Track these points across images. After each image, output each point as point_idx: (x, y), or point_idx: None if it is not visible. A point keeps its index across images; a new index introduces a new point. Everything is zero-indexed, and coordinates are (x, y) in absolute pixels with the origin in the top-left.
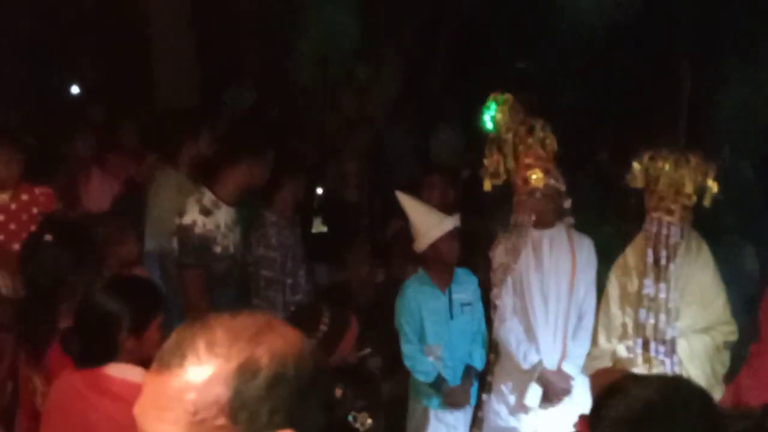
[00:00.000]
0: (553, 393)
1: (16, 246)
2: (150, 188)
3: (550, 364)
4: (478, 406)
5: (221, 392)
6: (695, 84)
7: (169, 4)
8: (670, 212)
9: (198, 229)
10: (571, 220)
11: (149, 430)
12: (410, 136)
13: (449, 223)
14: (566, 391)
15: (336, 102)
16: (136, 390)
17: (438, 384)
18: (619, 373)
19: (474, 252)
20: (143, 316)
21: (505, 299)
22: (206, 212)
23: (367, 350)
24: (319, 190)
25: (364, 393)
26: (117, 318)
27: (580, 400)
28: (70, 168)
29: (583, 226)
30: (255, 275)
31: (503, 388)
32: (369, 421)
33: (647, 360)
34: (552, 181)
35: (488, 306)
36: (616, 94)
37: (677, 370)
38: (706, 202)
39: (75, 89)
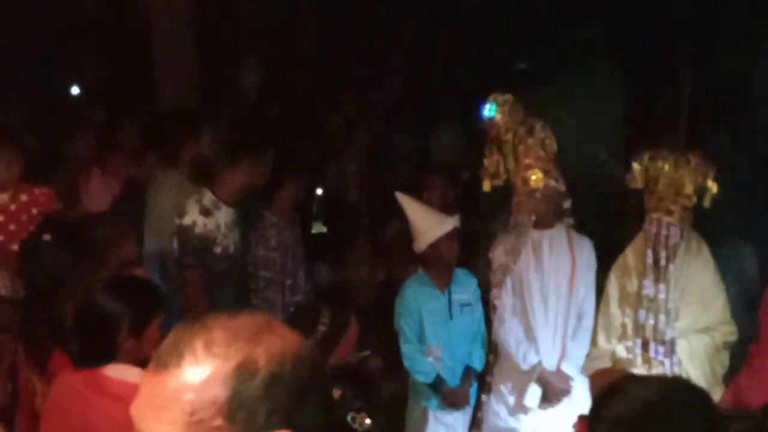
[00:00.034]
0: (553, 393)
1: (16, 246)
2: (150, 188)
3: (549, 364)
4: (478, 406)
5: (219, 392)
6: (695, 84)
7: (170, 4)
8: (669, 213)
9: (198, 230)
10: (570, 220)
11: (146, 430)
12: (410, 136)
13: (449, 223)
14: (566, 392)
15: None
16: (135, 390)
17: (437, 384)
18: (618, 373)
19: (473, 252)
20: (143, 317)
21: (505, 300)
22: (206, 212)
23: (367, 352)
24: (319, 191)
25: (363, 393)
26: (117, 318)
27: (580, 401)
28: (70, 168)
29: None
30: (254, 276)
31: (503, 388)
32: (368, 421)
33: (647, 360)
34: (552, 182)
35: (488, 306)
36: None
37: (677, 371)
38: (706, 203)
39: (75, 89)
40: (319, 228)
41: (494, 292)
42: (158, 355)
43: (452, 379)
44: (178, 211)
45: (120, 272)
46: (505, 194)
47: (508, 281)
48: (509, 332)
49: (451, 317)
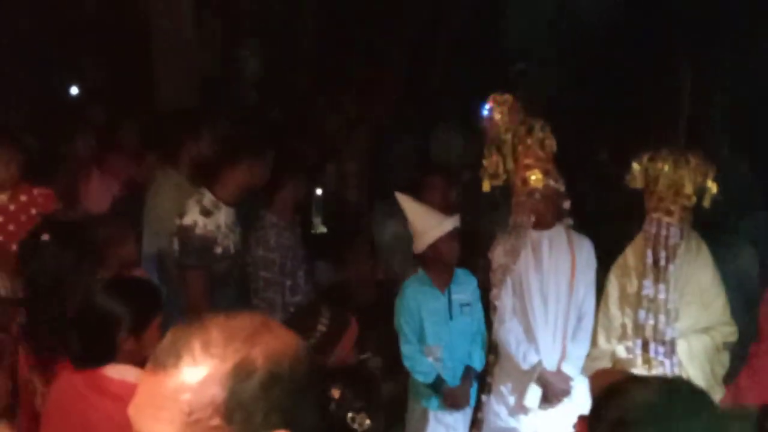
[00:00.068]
0: (553, 394)
1: (15, 247)
2: (150, 188)
3: (549, 364)
4: (478, 406)
5: (216, 392)
6: (695, 84)
7: (170, 4)
8: (669, 213)
9: (199, 230)
10: (570, 220)
11: (144, 429)
12: (410, 136)
13: (449, 223)
14: (566, 392)
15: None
16: (135, 391)
17: (437, 385)
18: (618, 373)
19: (473, 253)
20: (143, 317)
21: (505, 300)
22: (207, 213)
23: (368, 355)
24: (319, 191)
25: (363, 393)
26: (117, 319)
27: (580, 401)
28: (70, 168)
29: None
30: (254, 276)
31: (503, 388)
32: (368, 421)
33: (647, 361)
34: (551, 182)
35: (488, 307)
36: (616, 94)
37: (677, 371)
38: (706, 203)
39: (75, 89)
40: (319, 228)
41: (494, 292)
42: (156, 355)
43: (452, 380)
44: (178, 212)
45: (120, 273)
46: (504, 194)
47: (508, 281)
48: (509, 332)
49: (451, 317)
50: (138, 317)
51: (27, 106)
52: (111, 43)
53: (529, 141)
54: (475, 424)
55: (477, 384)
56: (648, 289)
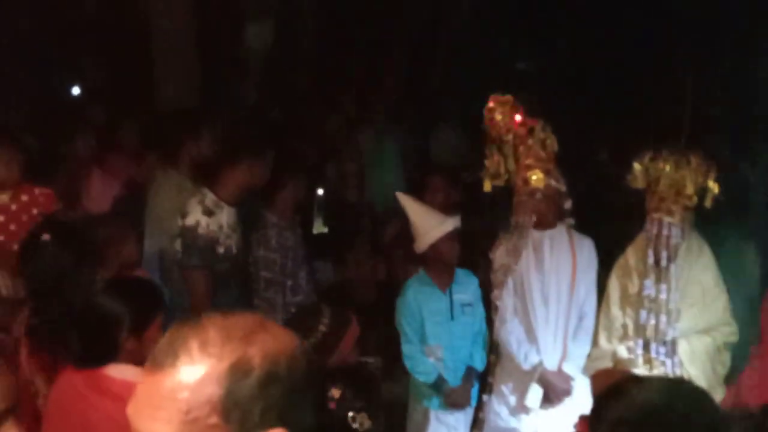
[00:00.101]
0: (554, 394)
1: (17, 246)
2: (150, 188)
3: (550, 364)
4: (479, 406)
5: (214, 391)
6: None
7: (170, 4)
8: (670, 213)
9: (201, 230)
10: (571, 220)
11: (142, 429)
12: (410, 136)
13: (450, 223)
14: (567, 392)
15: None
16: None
17: (438, 385)
18: (619, 374)
19: (474, 252)
20: (144, 317)
21: (506, 300)
22: (209, 213)
23: (371, 359)
24: (320, 191)
25: (364, 393)
26: (118, 318)
27: (581, 401)
28: (71, 168)
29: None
30: (255, 276)
31: (504, 388)
32: (368, 421)
33: (648, 361)
34: (552, 182)
35: (489, 307)
36: (616, 94)
37: (678, 371)
38: (707, 203)
39: (75, 89)
40: (319, 228)
41: (495, 292)
42: (154, 355)
43: (453, 380)
44: (180, 212)
45: (121, 272)
46: (505, 194)
47: (510, 281)
48: (510, 332)
49: (452, 317)
50: (139, 317)
51: (27, 106)
52: (111, 43)
53: (530, 141)
54: (476, 424)
55: (478, 384)
56: (649, 289)
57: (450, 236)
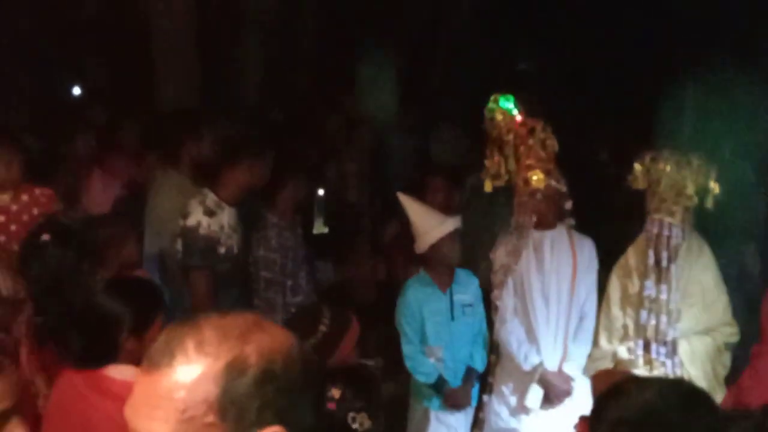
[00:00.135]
0: (554, 394)
1: (17, 247)
2: (150, 189)
3: (551, 365)
4: (479, 407)
5: (210, 390)
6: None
7: (170, 4)
8: (671, 213)
9: (203, 231)
10: (571, 221)
11: (140, 428)
12: (410, 136)
13: (450, 224)
14: (567, 393)
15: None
16: None
17: (439, 385)
18: (620, 374)
19: (475, 253)
20: (144, 317)
21: (506, 300)
22: (210, 213)
23: (371, 362)
24: (320, 191)
25: (364, 393)
26: (118, 319)
27: (581, 402)
28: (71, 168)
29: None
30: (255, 276)
31: (504, 389)
32: (368, 421)
33: (648, 361)
34: (553, 183)
35: (489, 307)
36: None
37: (678, 372)
38: (708, 204)
39: (76, 90)
40: (319, 228)
41: (496, 292)
42: (151, 355)
43: (454, 380)
44: (181, 213)
45: (121, 273)
46: (506, 195)
47: (510, 282)
48: (511, 333)
49: (452, 318)
50: (139, 317)
51: (27, 106)
52: (111, 43)
53: (530, 141)
54: (477, 424)
55: (478, 384)
56: (650, 290)
57: (450, 236)
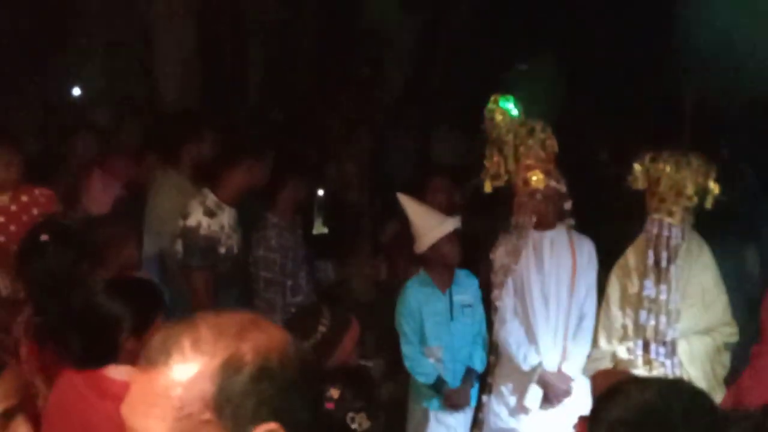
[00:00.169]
0: (554, 394)
1: (17, 247)
2: (150, 189)
3: (550, 365)
4: (479, 407)
5: (206, 388)
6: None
7: (170, 4)
8: (671, 214)
9: (203, 231)
10: (571, 221)
11: (136, 426)
12: (411, 136)
13: (450, 224)
14: (566, 393)
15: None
16: None
17: (438, 385)
18: (619, 374)
19: (475, 253)
20: (144, 318)
21: (506, 301)
22: (210, 214)
23: (370, 363)
24: (320, 191)
25: (363, 394)
26: (118, 319)
27: (580, 402)
28: (71, 169)
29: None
30: (255, 276)
31: (503, 389)
32: (367, 422)
33: (648, 361)
34: (552, 183)
35: (489, 307)
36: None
37: (678, 372)
38: (708, 204)
39: (76, 90)
40: (319, 228)
41: (495, 292)
42: (147, 353)
43: (453, 380)
44: (180, 213)
45: (121, 273)
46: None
47: (509, 282)
48: (510, 333)
49: (452, 318)
50: (139, 317)
51: (27, 106)
52: (112, 43)
53: (530, 142)
54: (476, 424)
55: (478, 384)
56: (649, 290)
57: (450, 237)
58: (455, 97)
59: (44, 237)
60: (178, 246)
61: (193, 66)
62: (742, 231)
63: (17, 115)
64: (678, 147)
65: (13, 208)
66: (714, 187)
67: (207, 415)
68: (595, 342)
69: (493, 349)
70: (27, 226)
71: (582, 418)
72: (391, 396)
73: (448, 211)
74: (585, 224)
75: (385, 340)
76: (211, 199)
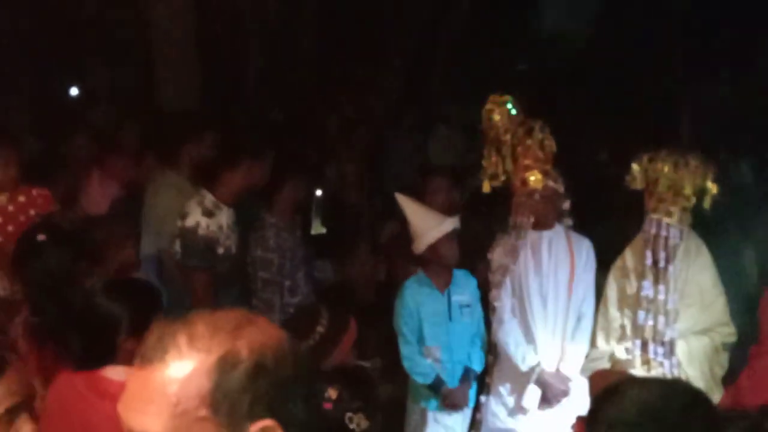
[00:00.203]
0: (552, 394)
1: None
2: (148, 189)
3: (548, 365)
4: (477, 407)
5: (202, 384)
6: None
7: (170, 4)
8: (669, 214)
9: (202, 231)
10: (569, 221)
11: (133, 423)
12: (410, 136)
13: (448, 224)
14: (565, 393)
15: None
16: None
17: (436, 386)
18: (617, 374)
19: (473, 253)
20: (142, 318)
21: (504, 301)
22: (209, 214)
23: (368, 364)
24: (319, 191)
25: (361, 394)
26: (116, 320)
27: (579, 402)
28: (70, 169)
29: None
30: (253, 276)
31: (502, 389)
32: (365, 422)
33: (646, 361)
34: (551, 183)
35: (487, 307)
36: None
37: (676, 372)
38: (706, 204)
39: (75, 90)
40: (317, 228)
41: (494, 293)
42: (143, 351)
43: (451, 381)
44: (179, 213)
45: (119, 274)
46: (504, 195)
47: (508, 282)
48: (508, 333)
49: (450, 318)
50: (137, 318)
51: (27, 106)
52: (111, 43)
53: (528, 142)
54: (474, 424)
55: (476, 385)
56: (647, 290)
57: (448, 237)
58: (454, 96)
59: (41, 237)
60: (177, 246)
61: (193, 66)
62: (740, 231)
63: (17, 115)
64: (676, 147)
65: (11, 208)
66: (712, 187)
67: (203, 412)
68: (593, 342)
69: (492, 349)
70: (24, 226)
71: (580, 418)
72: (390, 396)
73: (446, 211)
74: (583, 224)
75: (383, 340)
76: (209, 199)
